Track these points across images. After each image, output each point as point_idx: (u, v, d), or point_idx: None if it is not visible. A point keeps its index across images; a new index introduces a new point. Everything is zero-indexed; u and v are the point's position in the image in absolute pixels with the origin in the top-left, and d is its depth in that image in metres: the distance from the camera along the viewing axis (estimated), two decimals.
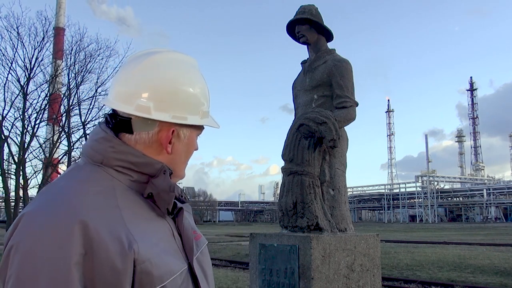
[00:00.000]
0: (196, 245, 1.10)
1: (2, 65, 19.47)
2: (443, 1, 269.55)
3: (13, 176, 20.88)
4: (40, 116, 20.62)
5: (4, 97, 19.62)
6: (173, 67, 1.05)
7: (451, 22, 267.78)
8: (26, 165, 20.41)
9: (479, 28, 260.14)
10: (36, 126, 20.45)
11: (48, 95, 20.89)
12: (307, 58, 4.19)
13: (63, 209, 0.88)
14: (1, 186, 20.22)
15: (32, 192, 20.88)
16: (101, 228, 0.87)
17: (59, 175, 1.19)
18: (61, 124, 21.82)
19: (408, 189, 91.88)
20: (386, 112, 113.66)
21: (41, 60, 20.33)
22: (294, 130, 3.56)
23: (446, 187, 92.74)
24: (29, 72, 19.83)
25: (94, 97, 21.17)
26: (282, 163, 3.63)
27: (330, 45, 4.13)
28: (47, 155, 21.27)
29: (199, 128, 1.13)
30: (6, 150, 20.19)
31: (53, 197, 0.93)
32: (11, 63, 19.47)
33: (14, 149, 20.32)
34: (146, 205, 1.01)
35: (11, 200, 20.35)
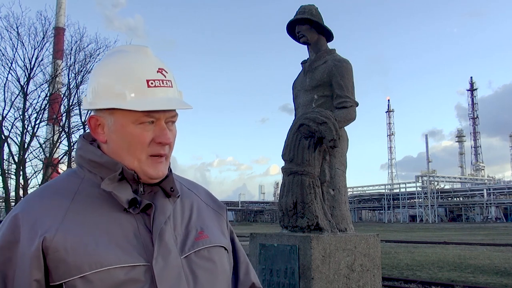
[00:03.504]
0: (191, 245, 1.07)
1: (2, 65, 19.50)
2: (442, 3, 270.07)
3: (13, 176, 20.87)
4: (40, 116, 20.64)
5: (4, 97, 19.64)
6: (102, 61, 1.10)
7: (449, 23, 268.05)
8: (26, 165, 20.43)
9: (477, 30, 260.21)
10: (36, 126, 20.47)
11: (48, 95, 20.89)
12: (307, 58, 4.19)
13: (16, 207, 1.02)
14: (1, 186, 20.24)
15: None
16: (28, 219, 0.97)
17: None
18: (61, 124, 21.82)
19: (408, 189, 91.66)
20: (386, 112, 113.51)
21: (41, 60, 20.37)
22: (295, 130, 3.55)
23: (446, 187, 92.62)
24: (29, 72, 19.84)
25: None
26: (282, 163, 3.63)
27: (330, 45, 4.13)
28: (47, 155, 21.28)
29: (130, 114, 1.02)
30: (6, 150, 20.22)
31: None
32: (11, 63, 19.51)
33: (14, 149, 20.34)
34: (111, 202, 1.03)
35: (11, 200, 20.35)
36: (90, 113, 1.25)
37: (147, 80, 1.03)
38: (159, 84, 1.04)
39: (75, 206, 1.01)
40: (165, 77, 1.06)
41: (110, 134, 1.06)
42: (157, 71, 1.05)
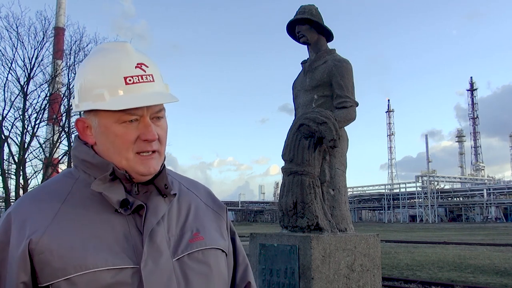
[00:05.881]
0: (184, 247, 1.04)
1: (2, 65, 19.48)
2: (441, 4, 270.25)
3: (13, 176, 20.85)
4: (40, 116, 20.62)
5: (4, 97, 19.61)
6: (84, 61, 1.08)
7: (449, 24, 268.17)
8: (26, 165, 20.39)
9: (476, 31, 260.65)
10: (36, 126, 20.44)
11: (48, 95, 20.89)
12: (307, 58, 4.19)
13: (11, 206, 1.02)
14: (1, 186, 20.22)
15: None
16: (18, 219, 0.96)
17: None
18: (61, 124, 21.81)
19: (408, 189, 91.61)
20: (386, 112, 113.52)
21: (41, 60, 20.33)
22: (295, 130, 3.55)
23: (446, 187, 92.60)
24: (29, 72, 19.82)
25: None
26: (283, 163, 3.63)
27: (330, 45, 4.13)
28: (47, 155, 21.26)
29: (111, 114, 1.00)
30: (6, 150, 20.19)
31: None
32: (11, 63, 19.48)
33: (14, 149, 20.32)
34: (103, 202, 1.01)
35: (11, 200, 20.34)
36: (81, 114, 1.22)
37: (124, 78, 0.99)
38: (138, 80, 1.00)
39: (66, 207, 0.99)
40: (145, 71, 1.02)
41: (97, 135, 1.04)
42: (136, 67, 1.01)
